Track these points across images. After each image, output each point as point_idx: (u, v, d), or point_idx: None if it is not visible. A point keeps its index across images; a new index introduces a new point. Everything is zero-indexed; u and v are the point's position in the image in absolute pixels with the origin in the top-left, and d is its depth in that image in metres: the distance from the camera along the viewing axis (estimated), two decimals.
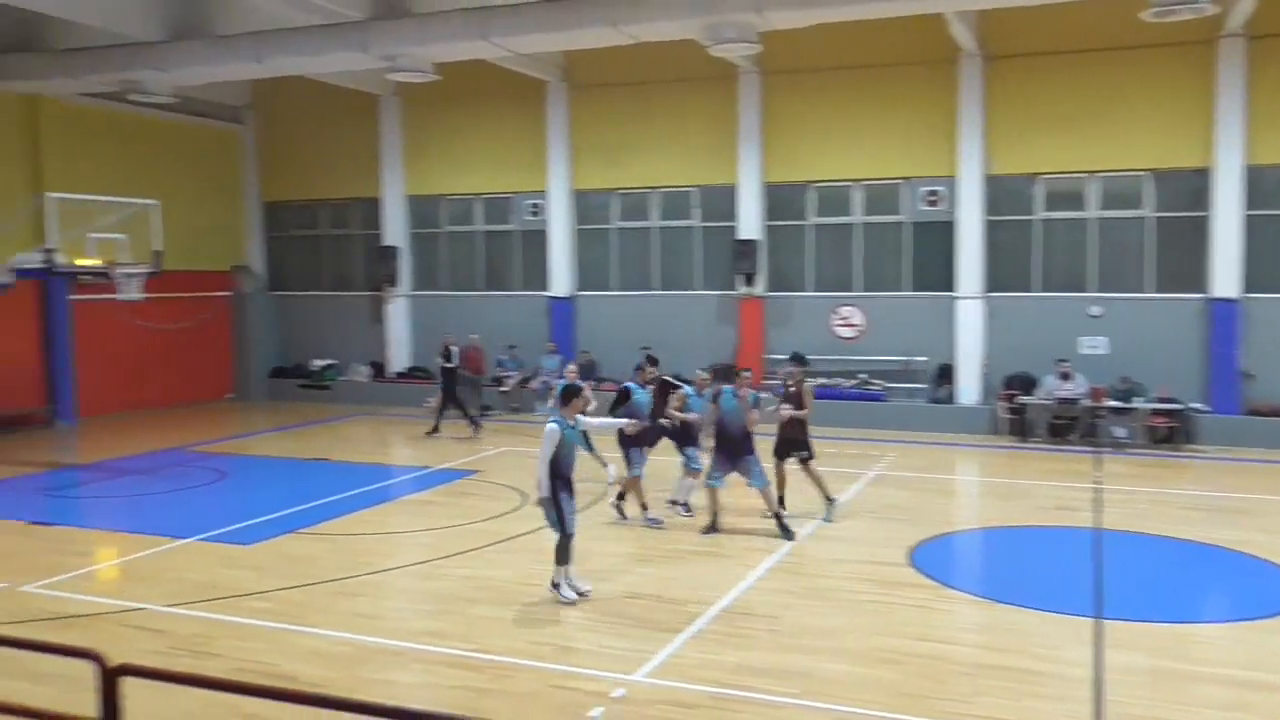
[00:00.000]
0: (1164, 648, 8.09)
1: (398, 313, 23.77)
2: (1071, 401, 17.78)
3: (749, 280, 20.50)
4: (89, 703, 4.49)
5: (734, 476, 11.77)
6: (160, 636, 8.43)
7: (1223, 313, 17.66)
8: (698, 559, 10.74)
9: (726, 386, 11.89)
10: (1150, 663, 7.75)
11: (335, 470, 16.06)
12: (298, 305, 25.15)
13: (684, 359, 17.79)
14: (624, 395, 12.32)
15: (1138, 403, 17.56)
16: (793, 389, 12.29)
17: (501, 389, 21.55)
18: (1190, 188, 18.02)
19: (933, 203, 19.64)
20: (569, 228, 22.18)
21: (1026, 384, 18.49)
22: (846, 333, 20.30)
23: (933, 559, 10.64)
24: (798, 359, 12.75)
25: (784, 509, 11.97)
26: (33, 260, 16.11)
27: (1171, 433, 17.30)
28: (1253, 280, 17.60)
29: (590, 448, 12.06)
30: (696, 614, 8.85)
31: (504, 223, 23.10)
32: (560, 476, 9.17)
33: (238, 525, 12.18)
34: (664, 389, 12.49)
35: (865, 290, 20.21)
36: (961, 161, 18.97)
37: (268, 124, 24.96)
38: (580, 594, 9.30)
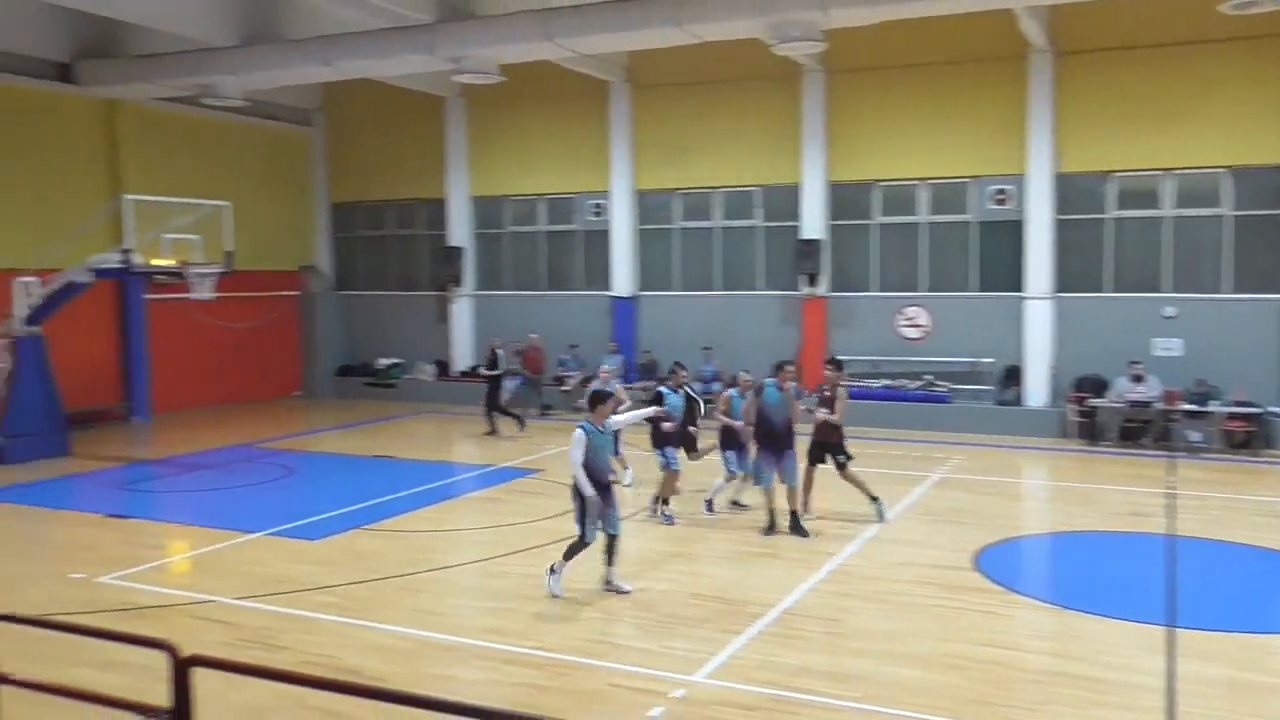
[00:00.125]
0: (1240, 658, 7.86)
1: (462, 312, 24.02)
2: (1144, 404, 17.36)
3: (812, 280, 20.35)
4: (159, 692, 4.59)
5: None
6: (229, 629, 8.61)
7: None
8: (759, 560, 10.68)
9: (769, 380, 11.84)
10: (1225, 673, 7.54)
11: (399, 467, 16.27)
12: (364, 305, 25.54)
13: (745, 359, 17.65)
14: (657, 398, 12.49)
15: (1213, 406, 17.09)
16: (828, 393, 12.16)
17: (563, 388, 21.65)
18: (1271, 185, 17.49)
19: (1001, 201, 19.32)
20: (631, 228, 22.22)
21: (1097, 386, 18.09)
22: (911, 333, 20.06)
23: (999, 563, 10.46)
24: (834, 363, 12.62)
25: (809, 512, 12.00)
26: (111, 260, 16.52)
27: (1249, 437, 16.80)
28: None
29: (616, 451, 12.14)
30: (757, 615, 8.80)
31: (567, 223, 23.22)
32: (594, 482, 9.22)
33: (305, 521, 12.39)
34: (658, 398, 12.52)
35: (931, 290, 19.96)
36: (1031, 159, 18.63)
37: (336, 126, 25.38)
38: (621, 592, 9.39)
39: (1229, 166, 17.71)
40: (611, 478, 9.66)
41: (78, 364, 19.13)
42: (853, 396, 19.35)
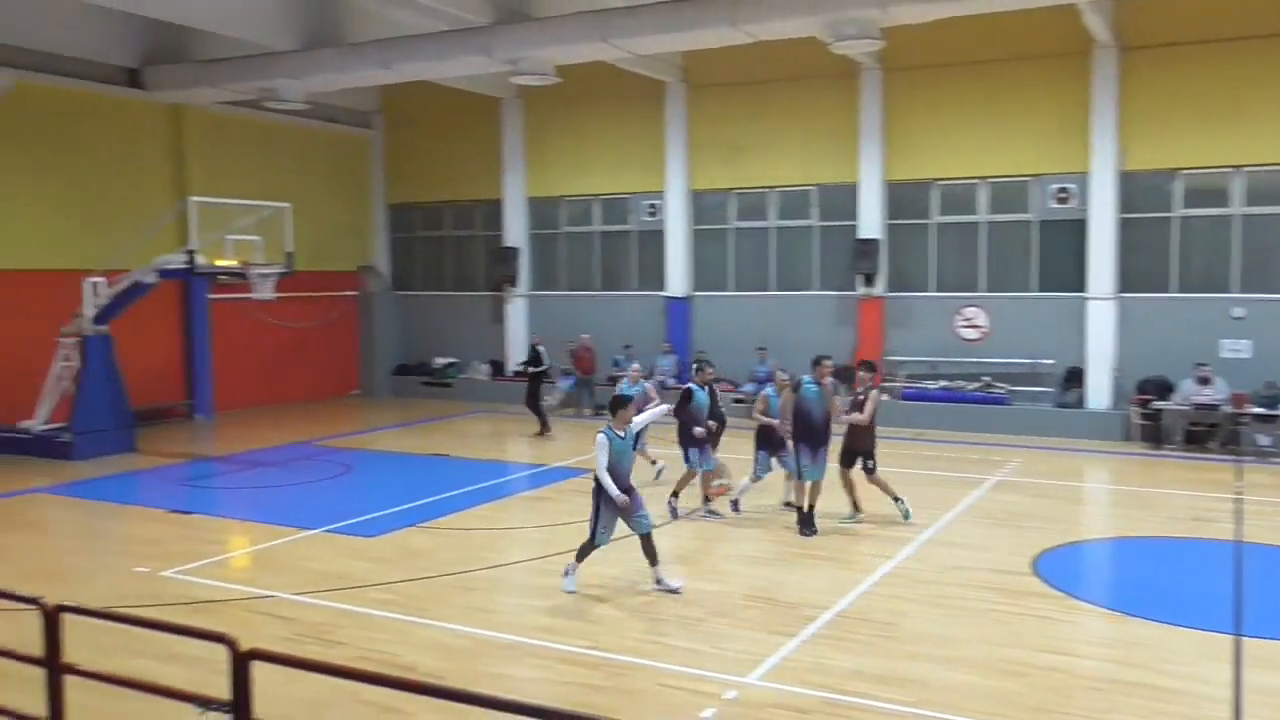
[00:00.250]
0: None
1: (517, 312, 24.16)
2: (1211, 407, 16.95)
3: (869, 280, 20.17)
4: (219, 684, 4.67)
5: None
6: (287, 624, 8.73)
7: None
8: (814, 562, 10.60)
9: (805, 376, 11.76)
10: None
11: (453, 466, 16.41)
12: (421, 305, 25.82)
13: (800, 360, 17.48)
14: (687, 395, 12.57)
15: None
16: (861, 396, 12.03)
17: (617, 389, 21.64)
18: None
19: (1063, 200, 18.99)
20: (686, 228, 22.19)
21: (1162, 388, 17.70)
22: (970, 334, 19.79)
23: (1058, 568, 10.27)
24: (867, 365, 12.48)
25: (860, 513, 12.03)
26: (176, 261, 16.87)
27: None
28: None
29: (639, 446, 12.16)
30: (811, 617, 8.73)
31: (622, 223, 23.26)
32: (619, 485, 9.22)
33: (362, 518, 12.55)
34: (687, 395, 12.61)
35: (990, 290, 19.67)
36: (1094, 157, 18.28)
37: (395, 128, 25.68)
38: (672, 590, 9.41)
39: None
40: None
41: (143, 362, 19.56)
42: (908, 398, 19.49)
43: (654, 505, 10.72)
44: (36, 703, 5.33)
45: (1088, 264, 18.56)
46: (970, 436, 18.08)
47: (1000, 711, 6.88)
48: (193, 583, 9.93)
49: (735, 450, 13.82)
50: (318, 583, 9.87)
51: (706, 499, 12.62)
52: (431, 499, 13.67)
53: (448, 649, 8.15)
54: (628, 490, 9.29)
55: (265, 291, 17.27)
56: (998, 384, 19.33)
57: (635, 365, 15.70)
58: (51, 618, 5.24)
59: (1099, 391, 18.55)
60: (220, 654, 4.60)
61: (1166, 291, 18.33)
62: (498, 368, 24.37)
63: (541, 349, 19.50)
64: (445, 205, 25.55)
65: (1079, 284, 18.73)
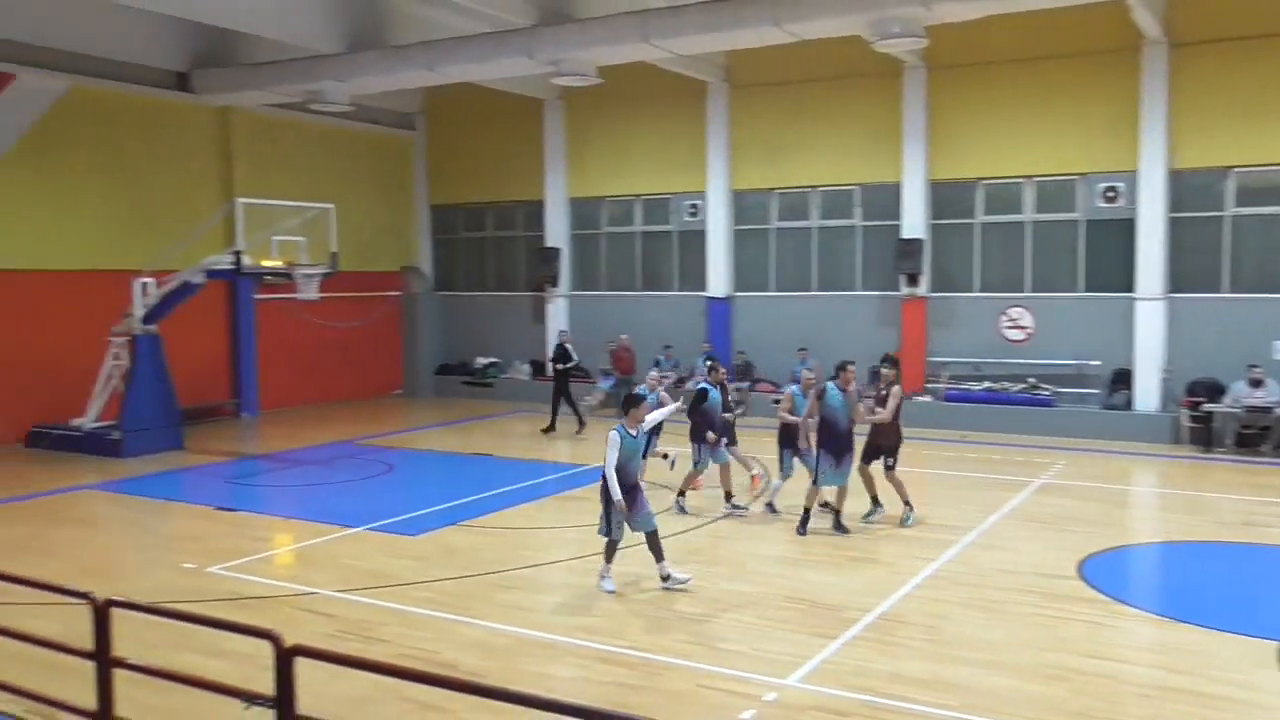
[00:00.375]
0: None
1: (557, 312, 24.24)
2: (1264, 410, 16.61)
3: (912, 280, 20.00)
4: (264, 680, 4.73)
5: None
6: (330, 620, 8.82)
7: None
8: (855, 564, 10.54)
9: (830, 382, 11.66)
10: None
11: (494, 465, 16.49)
12: (463, 305, 25.98)
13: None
14: (702, 395, 12.59)
15: None
16: (883, 392, 11.92)
17: None
18: None
19: (1111, 199, 18.71)
20: (727, 228, 22.14)
21: (1212, 390, 17.38)
22: (1015, 335, 19.57)
23: (1105, 572, 10.12)
24: (891, 361, 12.35)
25: (881, 507, 12.00)
26: (223, 262, 17.11)
27: None
28: None
29: (652, 445, 12.17)
30: (852, 620, 8.67)
31: (663, 223, 23.25)
32: (625, 484, 9.25)
33: (404, 516, 12.65)
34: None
35: (1035, 291, 19.43)
36: (1143, 155, 18.00)
37: (438, 130, 25.86)
38: (681, 584, 9.51)
39: None
40: (642, 480, 9.79)
41: (191, 362, 19.86)
42: (951, 399, 19.29)
43: (657, 505, 10.67)
44: (87, 695, 5.43)
45: (1136, 264, 18.27)
46: (1015, 439, 17.86)
47: (1044, 717, 6.79)
48: (237, 579, 10.06)
49: (761, 450, 13.75)
50: (360, 580, 9.96)
51: (728, 495, 12.64)
52: (473, 498, 13.75)
53: (488, 647, 8.19)
54: (633, 488, 9.37)
55: (310, 292, 17.45)
56: (1043, 385, 19.09)
57: (653, 372, 15.46)
58: (101, 612, 5.33)
59: (1147, 393, 18.25)
60: (265, 650, 4.66)
61: (1218, 292, 18.00)
62: (538, 368, 24.45)
63: (569, 346, 19.54)
64: (487, 206, 25.69)
65: (1127, 284, 18.45)
